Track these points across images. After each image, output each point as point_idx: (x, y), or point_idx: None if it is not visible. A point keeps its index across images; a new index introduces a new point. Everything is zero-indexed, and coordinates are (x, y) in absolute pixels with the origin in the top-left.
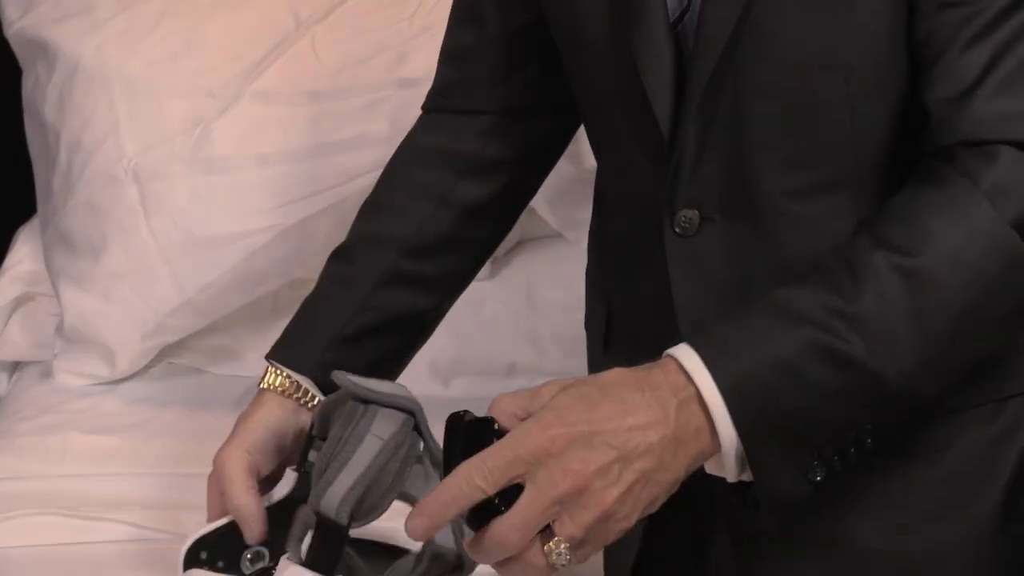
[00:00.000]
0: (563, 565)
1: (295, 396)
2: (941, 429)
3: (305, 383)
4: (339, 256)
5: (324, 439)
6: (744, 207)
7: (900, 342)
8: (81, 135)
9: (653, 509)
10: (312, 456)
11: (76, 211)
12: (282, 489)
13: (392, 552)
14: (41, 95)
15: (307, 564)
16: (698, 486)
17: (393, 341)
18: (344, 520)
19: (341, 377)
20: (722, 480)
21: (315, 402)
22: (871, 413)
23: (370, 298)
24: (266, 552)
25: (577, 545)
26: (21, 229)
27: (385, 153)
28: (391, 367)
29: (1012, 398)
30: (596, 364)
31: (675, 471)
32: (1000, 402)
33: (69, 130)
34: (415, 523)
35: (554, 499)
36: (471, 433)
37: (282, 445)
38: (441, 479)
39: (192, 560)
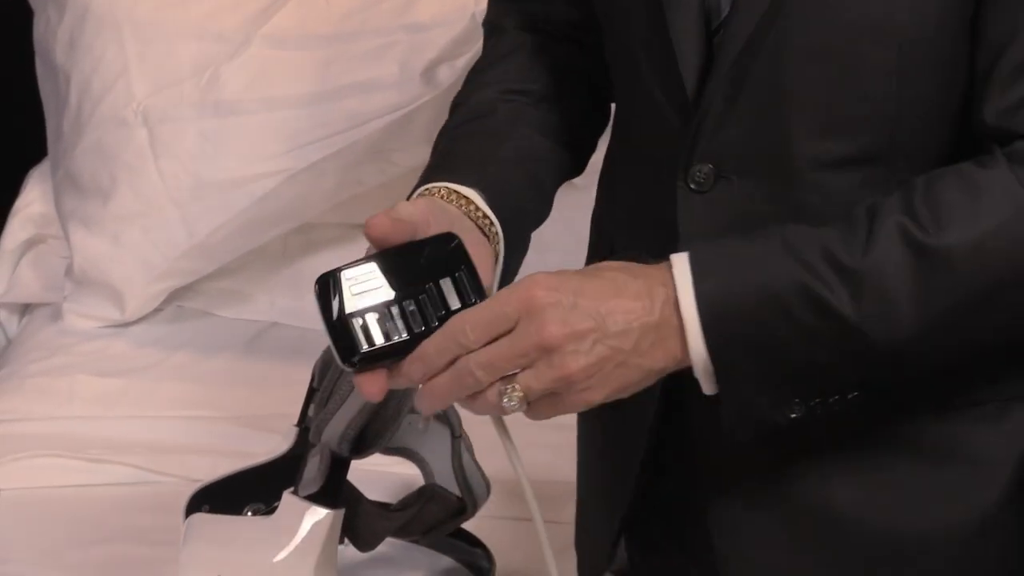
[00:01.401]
0: (513, 410)
1: (458, 204)
2: (944, 425)
3: (469, 193)
4: (468, 115)
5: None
6: (766, 170)
7: (894, 310)
8: (91, 78)
9: (623, 395)
10: (312, 411)
11: (86, 154)
12: (282, 445)
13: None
14: (52, 37)
15: (310, 496)
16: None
17: (538, 175)
18: (345, 452)
19: None
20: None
21: (481, 214)
22: (854, 367)
23: (511, 135)
24: (265, 508)
25: (533, 400)
26: (32, 171)
27: (395, 97)
28: (539, 208)
29: (1015, 400)
30: None
31: (651, 361)
32: (1003, 403)
33: (79, 72)
34: (412, 367)
35: (524, 350)
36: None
37: (448, 220)
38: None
39: (194, 512)
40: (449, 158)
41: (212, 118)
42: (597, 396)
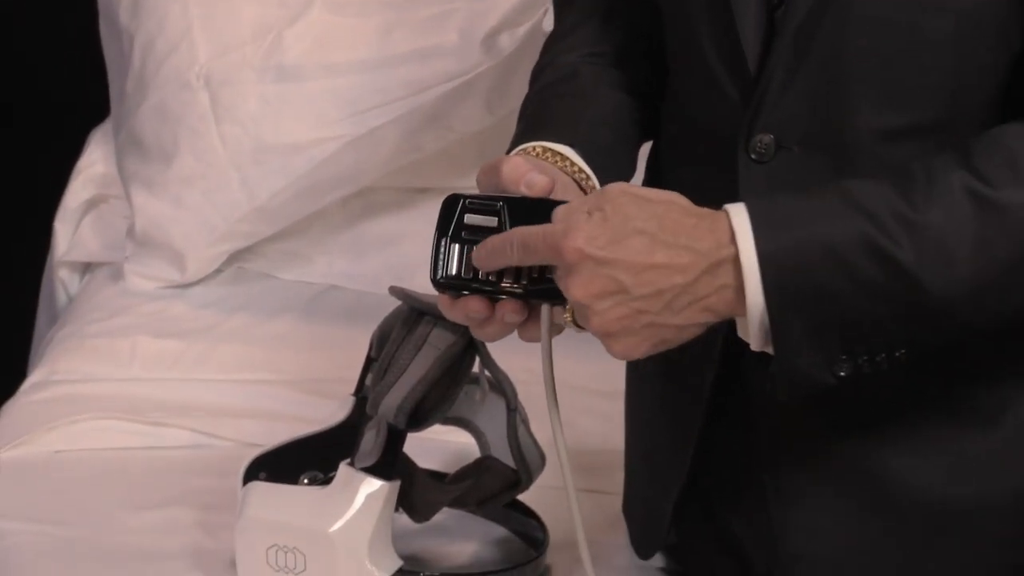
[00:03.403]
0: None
1: (553, 161)
2: (994, 390)
3: (564, 150)
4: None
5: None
6: (827, 141)
7: (954, 262)
8: (155, 39)
9: (663, 348)
10: (369, 382)
11: (148, 115)
12: (338, 414)
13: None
14: None
15: (366, 468)
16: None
17: (624, 132)
18: (402, 425)
19: (399, 289)
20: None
21: (577, 168)
22: (907, 322)
23: (596, 95)
24: (322, 476)
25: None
26: (94, 131)
27: (454, 65)
28: (628, 165)
29: None
30: None
31: (684, 319)
32: None
33: (143, 34)
34: (477, 253)
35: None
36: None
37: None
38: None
39: (251, 479)
40: (539, 120)
41: (273, 83)
42: (632, 350)
